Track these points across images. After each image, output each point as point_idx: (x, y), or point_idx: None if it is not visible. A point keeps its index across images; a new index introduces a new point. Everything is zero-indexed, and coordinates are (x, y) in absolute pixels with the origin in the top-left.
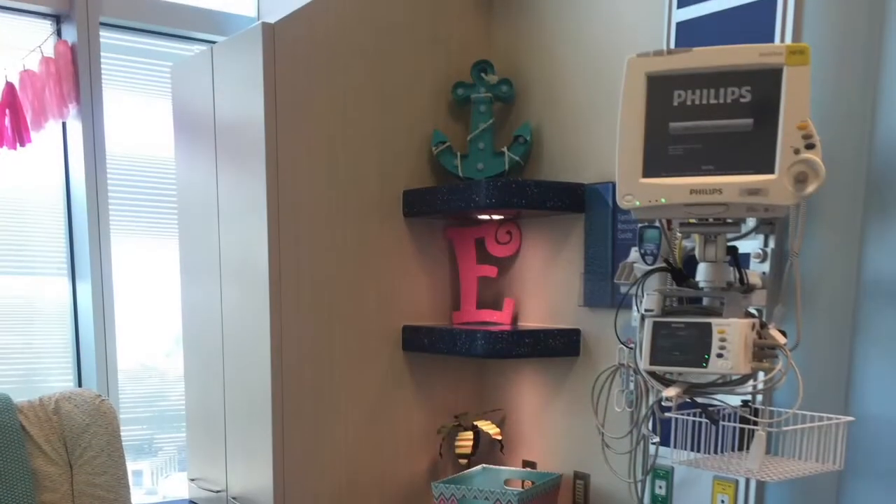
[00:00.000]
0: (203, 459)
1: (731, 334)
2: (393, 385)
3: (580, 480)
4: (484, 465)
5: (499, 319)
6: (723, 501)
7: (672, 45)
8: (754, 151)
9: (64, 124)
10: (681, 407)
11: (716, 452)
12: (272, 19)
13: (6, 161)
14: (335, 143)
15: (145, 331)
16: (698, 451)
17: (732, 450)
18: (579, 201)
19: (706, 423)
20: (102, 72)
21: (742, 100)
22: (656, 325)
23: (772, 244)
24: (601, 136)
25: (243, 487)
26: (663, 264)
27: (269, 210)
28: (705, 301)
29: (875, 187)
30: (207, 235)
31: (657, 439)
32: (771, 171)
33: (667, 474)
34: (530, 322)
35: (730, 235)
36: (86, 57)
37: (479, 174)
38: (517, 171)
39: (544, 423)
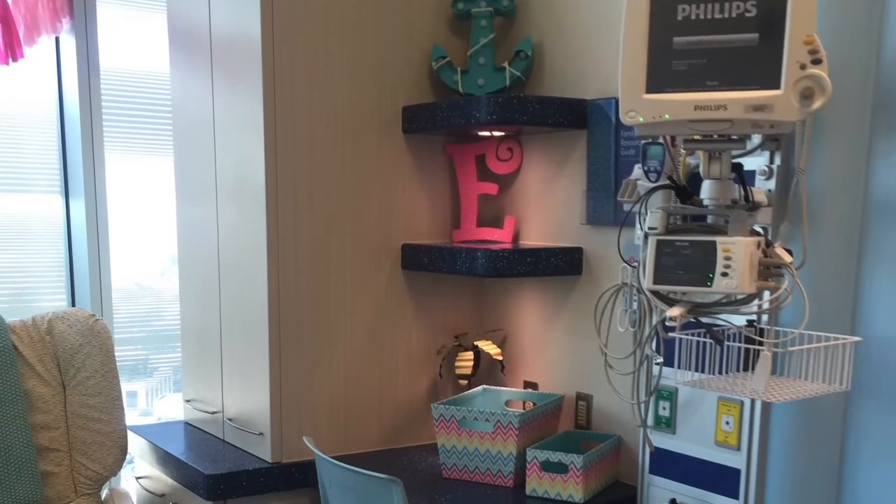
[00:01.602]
0: (199, 380)
1: (736, 253)
2: (392, 304)
3: (582, 402)
4: (484, 385)
5: (499, 238)
6: (728, 423)
7: None
8: (760, 67)
9: (57, 39)
10: (685, 327)
11: (720, 373)
12: None
13: None
14: (333, 59)
15: (140, 249)
16: (702, 371)
17: (737, 370)
18: (581, 117)
19: (711, 344)
20: None
21: (747, 14)
22: (660, 244)
23: (777, 161)
24: (604, 51)
25: (239, 408)
26: (667, 182)
27: (266, 127)
28: (710, 219)
29: (882, 103)
30: (203, 153)
31: (661, 360)
32: (776, 87)
33: (670, 395)
34: (532, 240)
35: (735, 152)
36: None
37: (479, 90)
38: (518, 87)
39: (546, 344)
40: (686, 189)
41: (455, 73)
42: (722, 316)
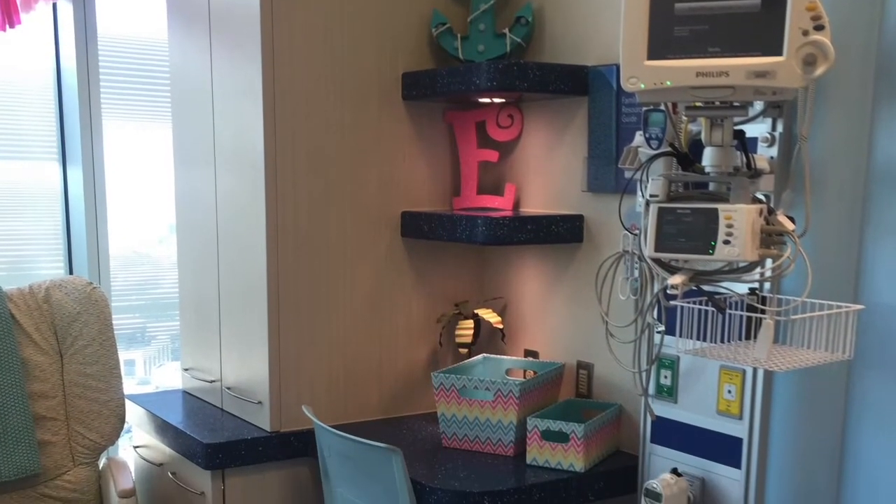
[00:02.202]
0: (197, 349)
1: (738, 220)
2: (391, 272)
3: (583, 370)
4: (485, 354)
5: (500, 205)
6: (729, 391)
7: None
8: (762, 33)
9: (55, 5)
10: (687, 295)
11: (722, 341)
12: None
13: None
14: (332, 25)
15: (138, 217)
16: (704, 340)
17: (739, 339)
18: (582, 84)
19: (712, 312)
20: None
21: None
22: (661, 211)
23: (780, 128)
24: (605, 17)
25: (238, 377)
26: (668, 149)
27: (265, 93)
28: (711, 186)
29: (885, 70)
30: (202, 120)
31: (662, 328)
32: (779, 53)
33: (672, 364)
34: (532, 208)
35: (737, 119)
36: None
37: (479, 56)
38: (519, 54)
39: (547, 312)
40: (688, 156)
41: (455, 40)
42: (724, 284)
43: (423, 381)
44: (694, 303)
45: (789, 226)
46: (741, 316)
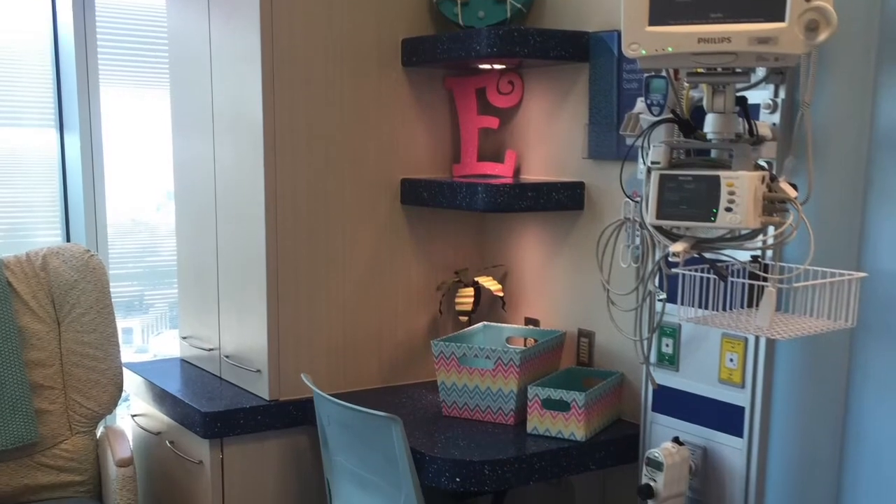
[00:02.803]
0: (195, 317)
1: (740, 187)
2: (391, 240)
3: (584, 338)
4: (485, 322)
5: (500, 172)
6: (731, 360)
7: None
8: None
9: None
10: (688, 262)
11: (724, 310)
12: None
13: None
14: None
15: (135, 184)
16: (706, 308)
17: (741, 307)
18: (583, 50)
19: (714, 280)
20: None
21: None
22: (663, 178)
23: (782, 94)
24: None
25: (237, 345)
26: (670, 115)
27: (264, 59)
28: (713, 153)
29: (889, 36)
30: (200, 86)
31: (664, 296)
32: (781, 19)
33: (674, 332)
34: (533, 175)
35: (739, 85)
36: None
37: (480, 22)
38: (519, 19)
39: (547, 280)
40: (689, 123)
41: (455, 6)
42: (726, 251)
43: (422, 350)
44: (696, 270)
45: (791, 193)
46: (743, 284)
